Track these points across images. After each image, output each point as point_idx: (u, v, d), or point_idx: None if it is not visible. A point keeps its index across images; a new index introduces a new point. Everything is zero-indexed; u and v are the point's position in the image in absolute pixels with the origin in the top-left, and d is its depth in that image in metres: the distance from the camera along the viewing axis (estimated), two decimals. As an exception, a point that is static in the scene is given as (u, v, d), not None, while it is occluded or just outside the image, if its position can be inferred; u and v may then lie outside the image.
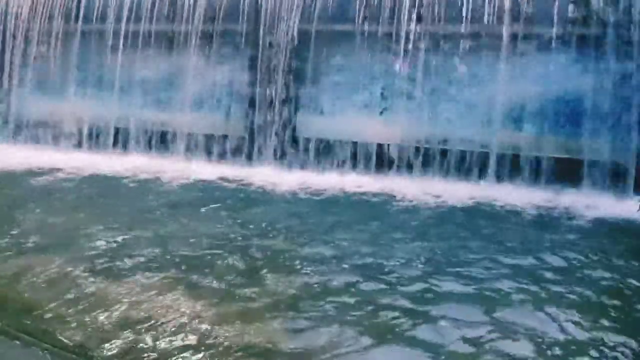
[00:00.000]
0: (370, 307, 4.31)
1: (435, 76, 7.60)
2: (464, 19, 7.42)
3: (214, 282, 4.70)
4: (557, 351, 3.81)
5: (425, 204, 6.75)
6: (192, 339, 3.90)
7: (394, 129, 7.75)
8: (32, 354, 3.65)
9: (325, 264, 5.10)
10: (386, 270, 4.97)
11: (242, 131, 8.34)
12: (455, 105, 7.57)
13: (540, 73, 7.26)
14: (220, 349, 3.80)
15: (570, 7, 7.16)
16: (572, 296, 4.55)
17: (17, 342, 3.74)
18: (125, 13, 8.74)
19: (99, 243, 5.45)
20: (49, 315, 4.15)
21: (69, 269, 4.87)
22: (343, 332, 3.97)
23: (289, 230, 5.95)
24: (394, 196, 6.98)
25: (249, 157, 8.23)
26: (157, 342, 3.84)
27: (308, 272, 4.94)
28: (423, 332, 4.00)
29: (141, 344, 3.82)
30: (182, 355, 3.73)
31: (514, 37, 7.29)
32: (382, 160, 7.76)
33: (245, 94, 8.34)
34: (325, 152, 7.97)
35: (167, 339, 3.89)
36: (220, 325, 4.05)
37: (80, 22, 9.02)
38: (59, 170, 7.97)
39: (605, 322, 4.19)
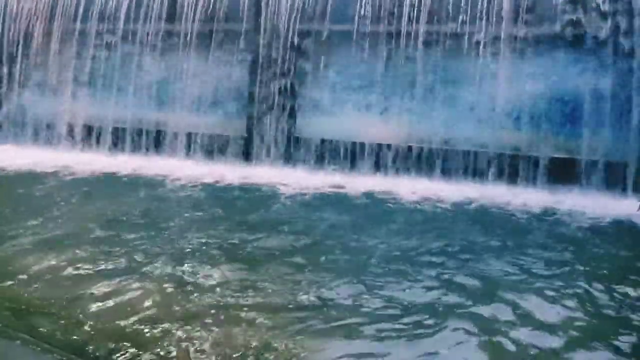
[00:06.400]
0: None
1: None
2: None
3: (215, 282, 4.71)
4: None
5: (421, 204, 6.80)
6: (192, 338, 3.90)
7: (394, 129, 7.75)
8: (32, 354, 3.65)
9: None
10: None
11: (241, 131, 8.35)
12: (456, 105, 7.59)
13: (539, 73, 7.27)
14: (219, 348, 3.81)
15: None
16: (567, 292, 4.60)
17: (17, 342, 3.75)
18: (123, 12, 8.76)
19: (100, 243, 5.46)
20: (48, 315, 4.15)
21: (70, 268, 4.88)
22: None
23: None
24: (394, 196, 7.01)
25: (248, 157, 8.23)
26: (158, 342, 3.85)
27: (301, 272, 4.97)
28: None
29: (142, 344, 3.83)
30: (183, 354, 3.74)
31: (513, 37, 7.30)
32: (383, 160, 7.76)
33: (245, 94, 8.36)
34: (325, 152, 7.98)
35: (168, 338, 3.89)
36: (220, 322, 4.07)
37: (79, 22, 9.03)
38: (57, 170, 7.97)
39: (602, 320, 4.22)
